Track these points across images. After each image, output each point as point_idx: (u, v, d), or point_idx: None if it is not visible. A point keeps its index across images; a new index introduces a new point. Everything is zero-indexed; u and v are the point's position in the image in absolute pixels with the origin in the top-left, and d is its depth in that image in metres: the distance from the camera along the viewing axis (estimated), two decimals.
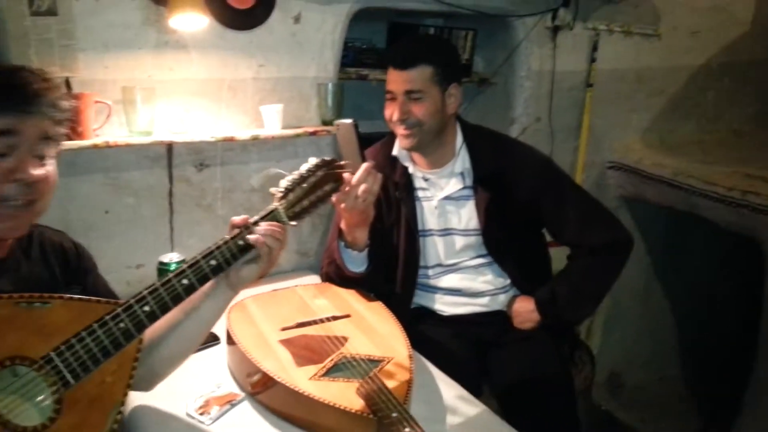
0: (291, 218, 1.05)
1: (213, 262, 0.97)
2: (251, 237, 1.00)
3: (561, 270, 1.62)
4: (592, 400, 2.27)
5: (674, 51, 2.46)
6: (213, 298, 1.04)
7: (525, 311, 1.57)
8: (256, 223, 1.02)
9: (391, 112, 1.49)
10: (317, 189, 1.08)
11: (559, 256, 1.67)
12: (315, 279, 1.72)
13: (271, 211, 1.04)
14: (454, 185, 1.56)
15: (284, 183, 1.06)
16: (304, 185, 1.07)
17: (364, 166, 1.28)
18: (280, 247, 1.03)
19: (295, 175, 1.07)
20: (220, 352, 1.34)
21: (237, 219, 1.02)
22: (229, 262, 0.99)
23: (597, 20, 2.22)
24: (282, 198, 1.05)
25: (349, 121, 1.30)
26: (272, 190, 1.06)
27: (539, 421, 1.41)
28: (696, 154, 2.43)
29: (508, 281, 1.61)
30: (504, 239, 1.56)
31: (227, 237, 1.00)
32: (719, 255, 2.69)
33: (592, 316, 2.48)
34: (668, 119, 2.54)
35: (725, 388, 2.25)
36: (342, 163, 1.12)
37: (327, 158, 1.10)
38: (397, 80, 1.47)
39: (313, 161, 1.09)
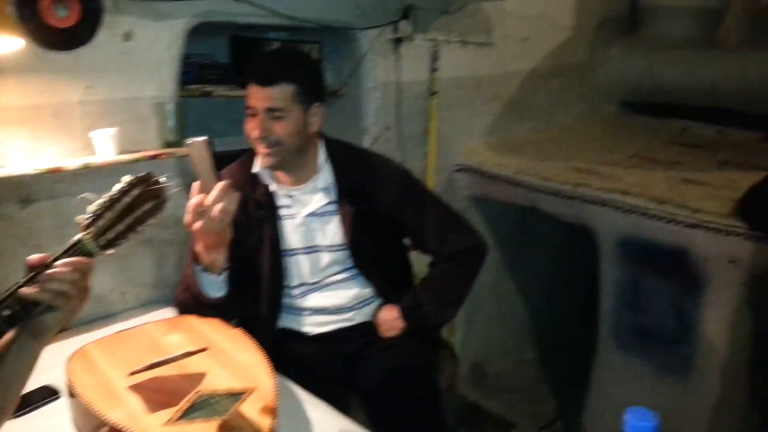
0: (105, 247, 0.94)
1: (6, 312, 0.86)
2: (25, 290, 0.86)
3: (423, 277, 1.68)
4: (458, 394, 2.37)
5: (507, 58, 2.64)
6: (16, 352, 0.90)
7: (390, 319, 1.60)
8: (56, 261, 0.89)
9: (252, 128, 1.45)
10: (134, 210, 0.97)
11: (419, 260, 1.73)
12: (171, 313, 1.62)
13: (74, 244, 0.92)
14: (318, 201, 1.55)
15: (92, 208, 0.94)
16: (118, 207, 0.95)
17: (220, 185, 1.24)
18: (78, 287, 0.90)
19: (104, 197, 0.96)
20: (62, 408, 1.22)
21: (33, 258, 0.89)
22: (28, 310, 0.87)
23: (436, 31, 2.33)
24: (89, 226, 0.93)
25: (202, 138, 1.24)
26: (78, 218, 0.94)
27: (406, 425, 1.45)
28: (533, 152, 2.63)
29: (373, 292, 1.63)
30: (370, 251, 1.58)
31: (21, 281, 0.87)
32: (561, 243, 2.95)
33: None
34: (507, 121, 2.73)
35: (576, 368, 2.45)
36: (159, 178, 1.02)
37: (142, 174, 0.99)
38: (258, 97, 1.42)
39: (126, 179, 0.98)
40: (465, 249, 1.62)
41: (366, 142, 2.23)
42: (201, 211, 1.24)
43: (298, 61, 1.55)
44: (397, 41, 2.20)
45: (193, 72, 1.91)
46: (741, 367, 1.99)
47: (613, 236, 2.10)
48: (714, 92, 2.82)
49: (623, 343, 2.14)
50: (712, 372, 1.93)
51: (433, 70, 2.35)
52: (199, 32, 1.77)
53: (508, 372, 2.91)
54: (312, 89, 1.49)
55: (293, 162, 1.51)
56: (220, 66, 2.04)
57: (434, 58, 2.34)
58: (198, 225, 1.25)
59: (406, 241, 1.70)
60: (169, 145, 1.68)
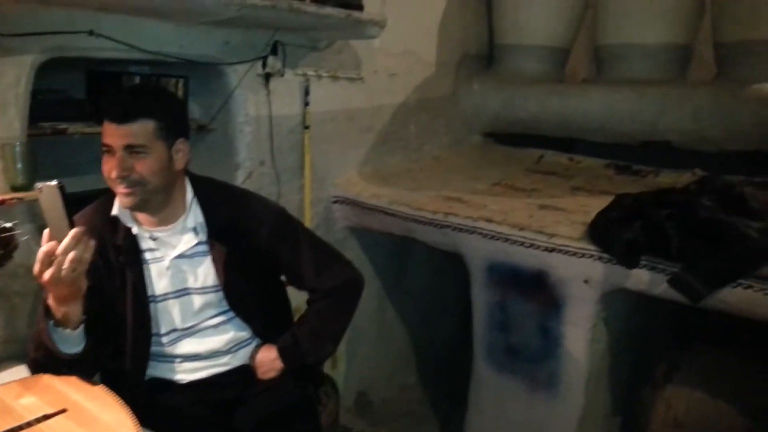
0: None
1: None
2: None
3: (301, 315, 1.66)
4: (341, 427, 2.36)
5: (377, 92, 2.73)
6: None
7: (268, 361, 1.57)
8: None
9: (110, 168, 1.35)
10: None
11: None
12: (25, 372, 1.47)
13: None
14: (187, 242, 1.48)
15: None
16: None
17: (72, 232, 1.15)
18: None
19: None
20: None
21: None
22: None
23: (306, 67, 2.35)
24: None
25: (53, 183, 1.14)
26: None
27: None
28: (406, 182, 2.72)
29: (250, 334, 1.59)
30: (245, 292, 1.54)
31: None
32: (439, 268, 3.06)
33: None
34: (380, 153, 2.81)
35: (457, 388, 2.54)
36: (7, 224, 0.94)
37: None
38: (114, 134, 1.34)
39: None
40: (342, 284, 1.63)
41: (240, 178, 2.20)
42: (51, 261, 1.15)
43: (159, 96, 1.49)
44: (267, 76, 2.20)
45: (45, 109, 1.77)
46: (601, 378, 2.17)
47: (481, 262, 2.21)
48: (564, 123, 3.10)
49: (496, 362, 2.25)
50: (576, 384, 2.08)
51: (306, 104, 2.37)
52: (52, 67, 1.66)
53: (393, 398, 2.96)
54: (175, 124, 1.44)
55: (158, 202, 1.44)
56: (76, 102, 1.92)
57: (306, 92, 2.36)
58: (48, 276, 1.15)
59: (283, 278, 1.69)
60: (17, 189, 1.55)
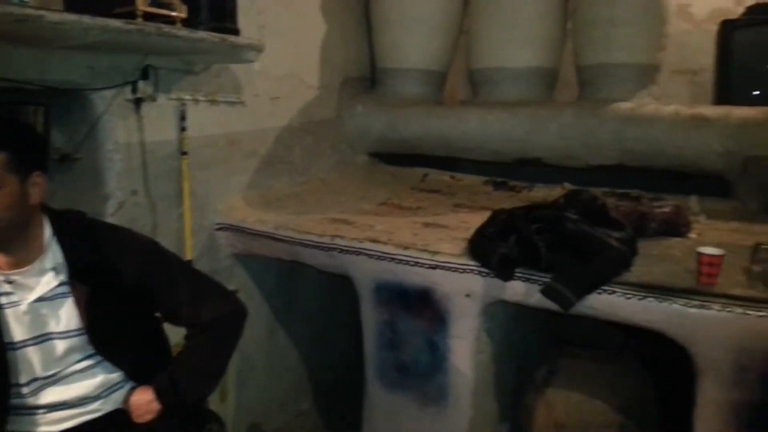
0: None
1: None
2: None
3: (179, 351, 1.58)
4: None
5: (259, 115, 2.70)
6: None
7: (144, 403, 1.48)
8: None
9: None
10: None
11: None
12: None
13: None
14: (46, 284, 1.37)
15: None
16: None
17: None
18: None
19: None
20: None
21: None
22: None
23: (181, 91, 2.28)
24: None
25: None
26: None
27: None
28: (292, 206, 2.70)
29: (123, 376, 1.49)
30: (113, 333, 1.44)
31: None
32: (330, 290, 3.05)
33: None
34: (264, 177, 2.77)
35: (351, 410, 2.53)
36: None
37: None
38: None
39: None
40: (221, 317, 1.57)
41: (110, 209, 2.07)
42: None
43: (10, 127, 1.38)
44: (138, 101, 2.10)
45: None
46: (488, 387, 2.25)
47: (369, 282, 2.23)
48: (445, 143, 3.22)
49: (387, 380, 2.26)
50: (464, 396, 2.14)
51: (182, 129, 2.29)
52: None
53: (287, 426, 2.89)
54: (29, 156, 1.34)
55: (11, 241, 1.33)
56: None
57: (182, 117, 2.28)
58: None
59: (158, 314, 1.60)
60: None
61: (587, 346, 2.29)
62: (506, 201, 2.81)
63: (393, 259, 2.16)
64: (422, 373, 2.18)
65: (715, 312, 1.70)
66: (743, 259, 1.88)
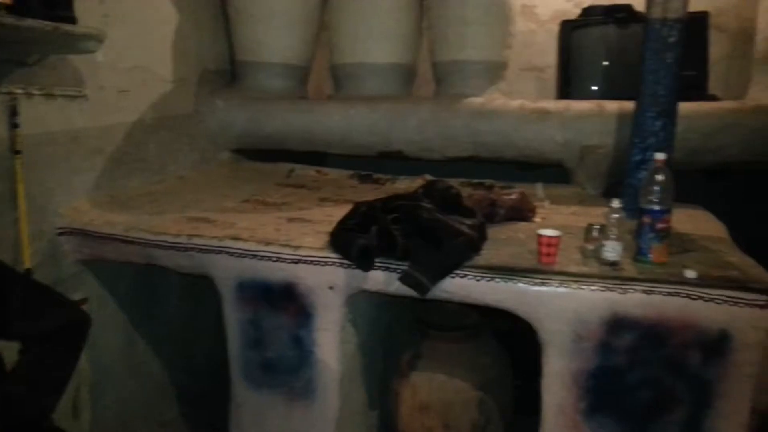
0: None
1: None
2: None
3: (13, 368, 1.45)
4: None
5: (105, 110, 2.52)
6: None
7: None
8: None
9: None
10: None
11: None
12: None
13: None
14: None
15: None
16: None
17: None
18: None
19: None
20: None
21: None
22: None
23: (11, 84, 2.08)
24: None
25: None
26: None
27: None
28: (146, 206, 2.55)
29: None
30: None
31: None
32: (192, 292, 2.93)
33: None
34: (114, 176, 2.60)
35: (220, 414, 2.45)
36: None
37: None
38: None
39: None
40: (59, 328, 1.46)
41: None
42: None
43: None
44: None
45: None
46: (355, 376, 2.28)
47: (231, 281, 2.17)
48: (309, 138, 3.21)
49: (253, 380, 2.22)
50: (330, 388, 2.15)
51: (14, 126, 2.09)
52: None
53: None
54: None
55: None
56: None
57: (13, 113, 2.08)
58: None
59: None
60: None
61: (448, 328, 2.39)
62: (371, 193, 2.86)
63: (255, 255, 2.13)
64: (289, 369, 2.16)
65: (554, 288, 1.85)
66: (580, 239, 2.06)
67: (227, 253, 2.16)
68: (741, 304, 1.72)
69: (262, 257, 2.13)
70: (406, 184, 2.99)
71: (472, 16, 2.93)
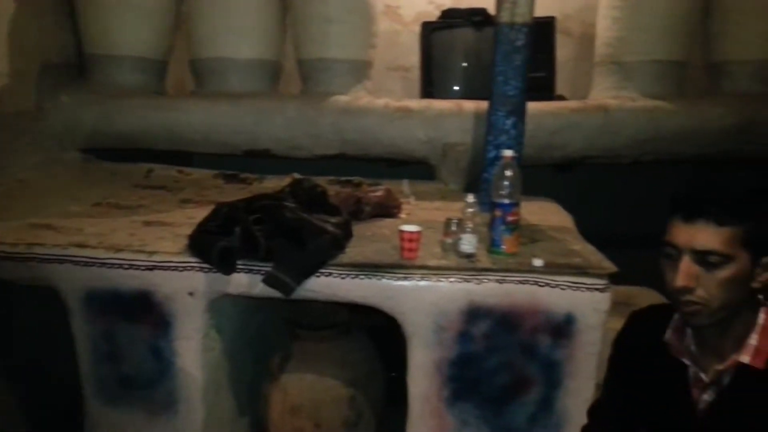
0: None
1: None
2: None
3: None
4: None
5: None
6: None
7: None
8: None
9: None
10: None
11: None
12: None
13: None
14: None
15: None
16: None
17: None
18: None
19: None
20: None
21: None
22: None
23: None
24: None
25: None
26: None
27: None
28: None
29: None
30: None
31: None
32: (42, 306, 2.66)
33: None
34: None
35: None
36: None
37: None
38: None
39: None
40: None
41: None
42: None
43: None
44: None
45: None
46: (221, 384, 2.20)
47: (78, 292, 2.01)
48: (170, 136, 3.05)
49: (109, 397, 2.08)
50: (194, 398, 2.06)
51: None
52: None
53: None
54: None
55: None
56: None
57: None
58: None
59: None
60: None
61: (317, 327, 2.38)
62: (237, 193, 2.77)
63: (104, 264, 1.98)
64: (147, 383, 2.04)
65: (415, 282, 1.90)
66: (441, 233, 2.13)
67: (72, 262, 2.00)
68: (583, 289, 1.87)
69: (113, 265, 1.99)
70: (274, 183, 2.93)
71: (334, 14, 2.93)
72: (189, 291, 1.98)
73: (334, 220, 2.07)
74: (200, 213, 2.33)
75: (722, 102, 2.84)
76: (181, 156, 3.20)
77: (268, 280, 1.85)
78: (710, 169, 2.94)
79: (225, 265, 1.90)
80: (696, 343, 1.28)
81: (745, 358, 1.18)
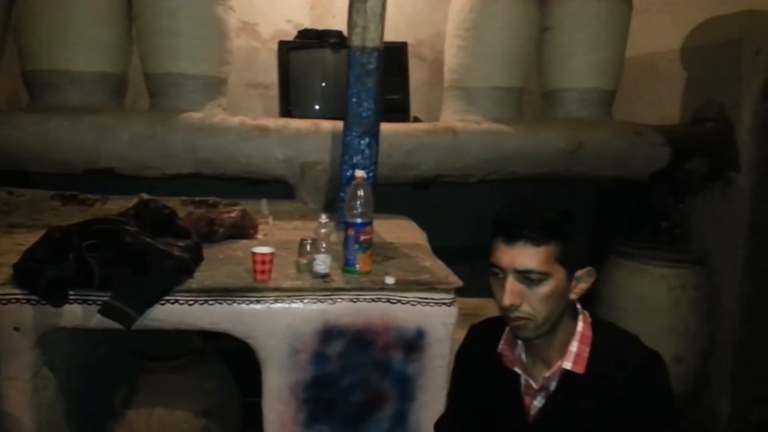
0: None
1: None
2: None
3: None
4: None
5: None
6: None
7: None
8: None
9: None
10: None
11: None
12: None
13: None
14: None
15: None
16: None
17: None
18: None
19: None
20: None
21: None
22: None
23: None
24: None
25: None
26: None
27: None
28: None
29: None
30: None
31: None
32: None
33: None
34: None
35: None
36: None
37: None
38: None
39: None
40: None
41: None
42: None
43: None
44: None
45: None
46: (57, 427, 2.00)
47: None
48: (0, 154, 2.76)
49: None
50: None
51: None
52: None
53: None
54: None
55: None
56: None
57: None
58: None
59: None
60: None
61: (166, 357, 2.25)
62: (75, 216, 2.54)
63: None
64: None
65: (269, 305, 1.87)
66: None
67: None
68: (432, 304, 1.94)
69: None
70: (119, 205, 2.74)
71: (184, 28, 2.82)
72: (15, 326, 1.79)
73: (182, 243, 1.98)
74: (31, 239, 2.12)
75: (554, 126, 3.12)
76: (15, 175, 2.90)
77: (106, 311, 1.72)
78: (543, 187, 3.21)
79: (55, 296, 1.74)
80: (526, 353, 1.38)
81: (567, 364, 1.29)
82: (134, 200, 2.72)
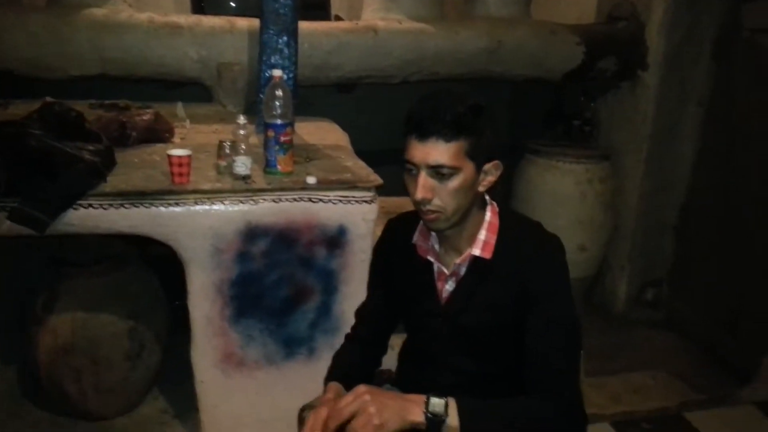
0: None
1: None
2: None
3: None
4: None
5: None
6: None
7: None
8: None
9: None
10: None
11: None
12: None
13: None
14: None
15: None
16: None
17: None
18: None
19: None
20: None
21: None
22: None
23: None
24: None
25: None
26: None
27: None
28: None
29: None
30: None
31: None
32: None
33: None
34: None
35: None
36: None
37: None
38: None
39: None
40: None
41: None
42: None
43: None
44: None
45: None
46: None
47: None
48: None
49: None
50: None
51: None
52: None
53: None
54: None
55: None
56: None
57: None
58: None
59: None
60: None
61: (87, 262, 2.24)
62: None
63: None
64: None
65: (189, 207, 1.87)
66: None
67: None
68: (353, 202, 2.00)
69: None
70: (22, 109, 2.58)
71: None
72: None
73: (92, 147, 1.91)
74: None
75: (475, 25, 3.11)
76: None
77: (15, 217, 1.68)
78: (462, 89, 3.24)
79: None
80: (439, 243, 1.46)
81: (476, 251, 1.38)
82: (39, 104, 2.56)
